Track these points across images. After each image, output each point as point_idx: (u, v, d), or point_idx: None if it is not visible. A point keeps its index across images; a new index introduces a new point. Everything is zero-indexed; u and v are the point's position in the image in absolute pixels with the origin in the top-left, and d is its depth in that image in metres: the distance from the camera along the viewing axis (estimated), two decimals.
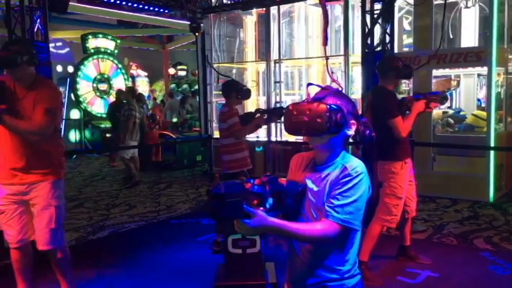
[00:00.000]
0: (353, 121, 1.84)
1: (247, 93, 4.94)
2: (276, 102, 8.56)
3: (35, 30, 4.86)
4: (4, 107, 3.04)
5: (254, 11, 9.18)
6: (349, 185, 1.75)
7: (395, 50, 6.30)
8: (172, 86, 18.54)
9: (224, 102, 4.87)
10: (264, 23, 8.88)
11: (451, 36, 7.89)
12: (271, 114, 5.06)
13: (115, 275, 4.23)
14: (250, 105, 9.53)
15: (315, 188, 1.83)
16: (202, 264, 4.37)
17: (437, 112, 7.91)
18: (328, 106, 1.74)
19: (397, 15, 6.85)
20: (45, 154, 3.26)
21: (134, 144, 8.43)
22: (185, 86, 19.25)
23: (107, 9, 12.84)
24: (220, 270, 3.77)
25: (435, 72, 7.34)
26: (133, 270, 4.36)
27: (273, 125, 8.50)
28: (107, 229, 5.78)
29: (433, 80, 7.36)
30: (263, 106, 9.16)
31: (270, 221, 1.65)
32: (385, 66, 4.07)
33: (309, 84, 1.94)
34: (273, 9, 8.47)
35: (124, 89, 10.87)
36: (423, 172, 6.59)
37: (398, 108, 3.94)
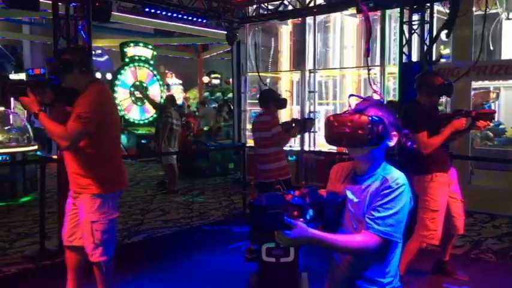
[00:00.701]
0: (394, 132, 1.83)
1: (284, 103, 4.98)
2: (310, 112, 8.56)
3: (79, 38, 5.04)
4: (50, 99, 3.11)
5: (290, 20, 9.22)
6: (390, 196, 1.75)
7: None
8: (206, 94, 18.77)
9: (260, 111, 4.91)
10: (299, 32, 8.91)
11: (491, 48, 7.73)
12: (305, 124, 5.07)
13: (149, 279, 4.30)
14: (284, 114, 9.57)
15: (355, 199, 1.83)
16: (235, 272, 4.40)
17: None
18: (370, 118, 1.74)
19: (435, 26, 6.76)
20: (87, 166, 3.18)
21: (171, 150, 8.54)
22: (218, 94, 19.47)
23: (145, 19, 13.13)
24: (253, 279, 3.78)
25: (474, 84, 7.19)
26: (167, 275, 4.42)
27: (306, 134, 8.50)
28: (141, 234, 5.88)
29: (472, 92, 7.21)
30: (297, 116, 9.17)
31: (311, 232, 1.66)
32: (420, 81, 4.02)
33: (350, 95, 1.95)
34: (309, 19, 8.49)
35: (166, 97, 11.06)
36: (461, 186, 6.44)
37: (434, 123, 3.85)
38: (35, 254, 4.94)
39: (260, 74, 9.71)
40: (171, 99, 9.20)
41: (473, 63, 6.04)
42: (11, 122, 8.64)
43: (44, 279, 4.35)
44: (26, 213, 6.91)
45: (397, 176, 1.80)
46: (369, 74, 2.99)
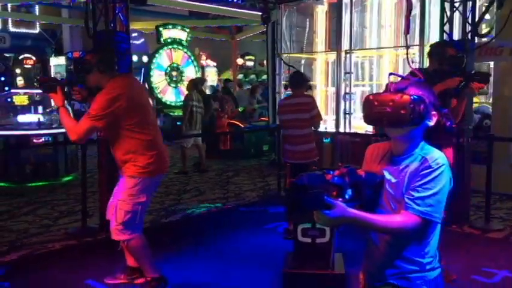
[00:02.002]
0: (434, 112, 1.80)
1: (310, 86, 5.03)
2: (346, 93, 8.44)
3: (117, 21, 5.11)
4: (82, 96, 3.45)
5: (325, 0, 9.07)
6: (430, 176, 1.73)
7: (475, 40, 6.00)
8: (240, 76, 18.78)
9: (292, 92, 4.91)
10: (335, 12, 8.75)
11: None
12: None
13: (186, 257, 4.40)
14: (319, 96, 9.49)
15: (393, 180, 1.82)
16: (270, 251, 4.45)
17: None
18: (411, 97, 1.71)
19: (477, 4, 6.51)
20: (123, 151, 3.39)
21: (194, 133, 8.61)
22: (252, 76, 19.45)
23: (180, 1, 13.19)
24: (289, 258, 3.82)
25: None
26: (203, 254, 4.51)
27: (341, 116, 8.42)
28: (178, 213, 6.01)
29: None
30: (332, 97, 9.08)
31: (350, 212, 1.66)
32: (431, 50, 3.98)
33: (390, 74, 1.92)
34: None
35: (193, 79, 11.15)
36: (501, 169, 6.27)
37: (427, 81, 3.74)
38: (77, 231, 5.14)
39: (295, 54, 9.66)
40: (193, 82, 9.26)
41: None
42: (53, 105, 8.90)
43: (86, 255, 4.52)
44: (68, 192, 7.16)
45: (437, 155, 1.77)
46: (407, 53, 2.89)
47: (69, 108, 3.66)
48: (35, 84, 8.82)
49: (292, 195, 1.64)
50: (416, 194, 1.72)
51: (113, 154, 3.50)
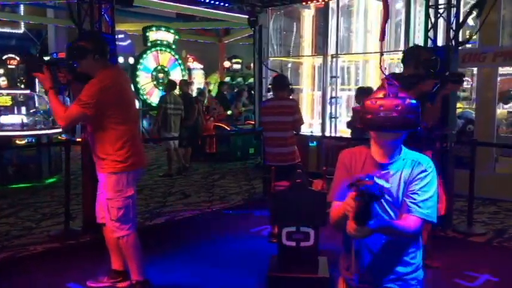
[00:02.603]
0: None
1: (293, 90, 5.07)
2: (332, 97, 8.49)
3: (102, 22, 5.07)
4: (66, 79, 3.35)
5: (312, 5, 9.11)
6: (427, 180, 1.78)
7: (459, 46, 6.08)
8: (227, 79, 18.75)
9: (275, 94, 4.93)
10: (322, 16, 8.81)
11: None
12: None
13: (170, 260, 4.38)
14: (305, 100, 9.52)
15: (386, 185, 1.82)
16: (255, 255, 4.44)
17: (501, 112, 7.59)
18: (415, 102, 1.74)
19: (461, 10, 6.61)
20: (103, 146, 3.36)
21: (169, 136, 8.53)
22: (239, 79, 19.43)
23: (167, 3, 13.13)
24: (273, 262, 3.82)
25: (501, 70, 7.04)
26: (188, 257, 4.49)
27: (327, 120, 8.46)
28: (163, 216, 5.97)
29: (498, 78, 7.05)
30: (318, 101, 9.13)
31: (383, 220, 1.67)
32: (407, 54, 4.01)
33: (389, 78, 1.91)
34: (332, 3, 8.38)
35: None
36: (484, 173, 6.35)
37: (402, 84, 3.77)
38: (60, 233, 5.08)
39: (282, 58, 9.68)
40: (169, 84, 9.19)
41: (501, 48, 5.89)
42: (36, 105, 8.80)
43: (68, 258, 4.46)
44: (51, 194, 7.08)
45: (427, 159, 1.83)
46: (380, 59, 2.92)
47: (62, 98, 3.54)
48: (18, 84, 8.68)
49: (363, 203, 1.56)
50: (418, 198, 1.75)
51: (92, 149, 3.46)
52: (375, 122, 1.76)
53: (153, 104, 13.94)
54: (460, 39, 5.60)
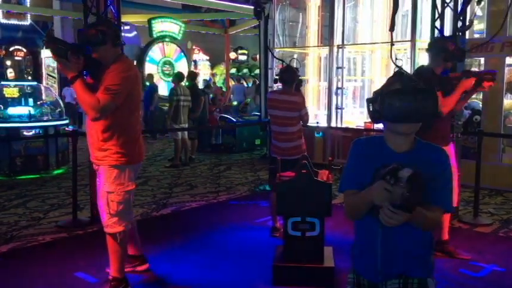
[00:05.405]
0: None
1: (301, 83, 5.04)
2: (338, 88, 8.46)
3: (108, 13, 5.09)
4: (80, 67, 3.10)
5: None
6: (446, 168, 1.80)
7: (466, 36, 6.04)
8: (233, 70, 18.75)
9: (282, 88, 4.87)
10: (328, 7, 8.76)
11: None
12: None
13: (177, 250, 4.41)
14: (311, 91, 9.50)
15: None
16: (261, 245, 4.47)
17: (508, 102, 7.53)
18: (434, 92, 1.75)
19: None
20: (106, 138, 3.22)
21: (177, 127, 8.57)
22: (245, 70, 19.44)
23: None
24: (279, 252, 3.84)
25: (508, 60, 6.97)
26: (194, 247, 4.52)
27: (333, 110, 8.45)
28: (169, 207, 6.01)
29: (506, 68, 7.00)
30: (324, 92, 9.10)
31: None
32: (434, 47, 3.98)
33: (399, 68, 1.89)
34: None
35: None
36: (491, 164, 6.33)
37: (445, 84, 3.78)
38: (68, 224, 5.13)
39: (288, 49, 9.65)
40: (178, 75, 9.21)
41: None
42: (44, 97, 8.85)
43: (76, 248, 4.51)
44: (59, 185, 7.14)
45: (441, 149, 1.85)
46: (391, 49, 2.89)
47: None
48: (25, 76, 8.72)
49: (413, 189, 1.57)
50: (440, 188, 1.76)
51: (91, 140, 3.29)
52: (394, 111, 1.73)
53: (159, 96, 13.99)
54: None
